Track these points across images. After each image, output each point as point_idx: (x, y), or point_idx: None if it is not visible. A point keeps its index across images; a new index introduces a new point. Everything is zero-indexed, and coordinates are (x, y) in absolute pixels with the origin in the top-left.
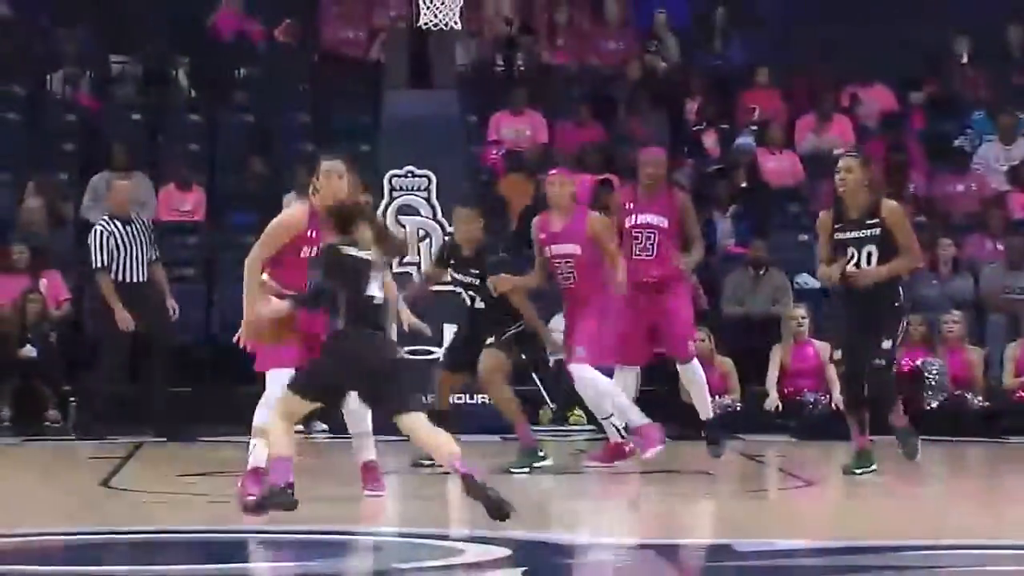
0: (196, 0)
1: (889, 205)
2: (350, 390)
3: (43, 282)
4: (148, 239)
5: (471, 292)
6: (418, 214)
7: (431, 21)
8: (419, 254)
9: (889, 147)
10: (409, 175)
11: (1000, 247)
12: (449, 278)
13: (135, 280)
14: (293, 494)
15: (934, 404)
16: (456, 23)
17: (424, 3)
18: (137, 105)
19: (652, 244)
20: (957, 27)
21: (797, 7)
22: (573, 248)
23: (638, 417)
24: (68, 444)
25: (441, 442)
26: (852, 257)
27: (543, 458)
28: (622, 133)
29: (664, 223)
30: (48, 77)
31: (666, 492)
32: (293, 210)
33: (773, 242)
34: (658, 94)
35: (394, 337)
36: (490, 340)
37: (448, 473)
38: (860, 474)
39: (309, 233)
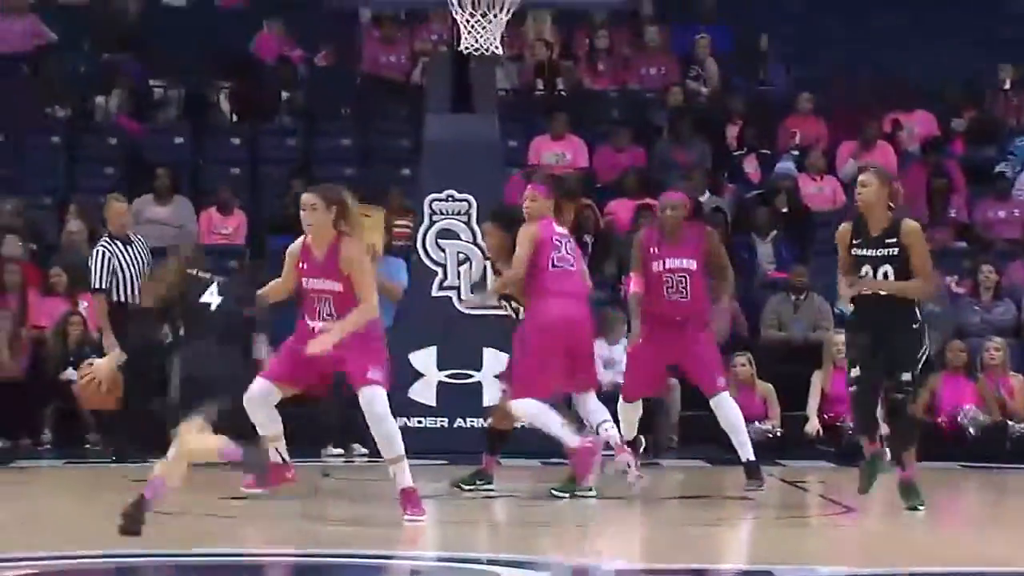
0: (237, 24)
1: (909, 225)
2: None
3: (83, 305)
4: (148, 260)
5: (515, 306)
6: (458, 238)
7: (472, 45)
8: (459, 278)
9: (931, 173)
10: (449, 199)
11: None
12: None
13: (128, 300)
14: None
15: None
16: (497, 48)
17: (465, 28)
18: (179, 129)
19: (685, 287)
20: (999, 53)
21: (839, 34)
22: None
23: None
24: (109, 467)
25: (172, 465)
26: (866, 275)
27: (588, 488)
28: (663, 158)
29: (694, 265)
30: (91, 101)
31: (706, 517)
32: (296, 241)
33: (814, 267)
34: (699, 119)
35: None
36: None
37: (488, 497)
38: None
39: (301, 265)
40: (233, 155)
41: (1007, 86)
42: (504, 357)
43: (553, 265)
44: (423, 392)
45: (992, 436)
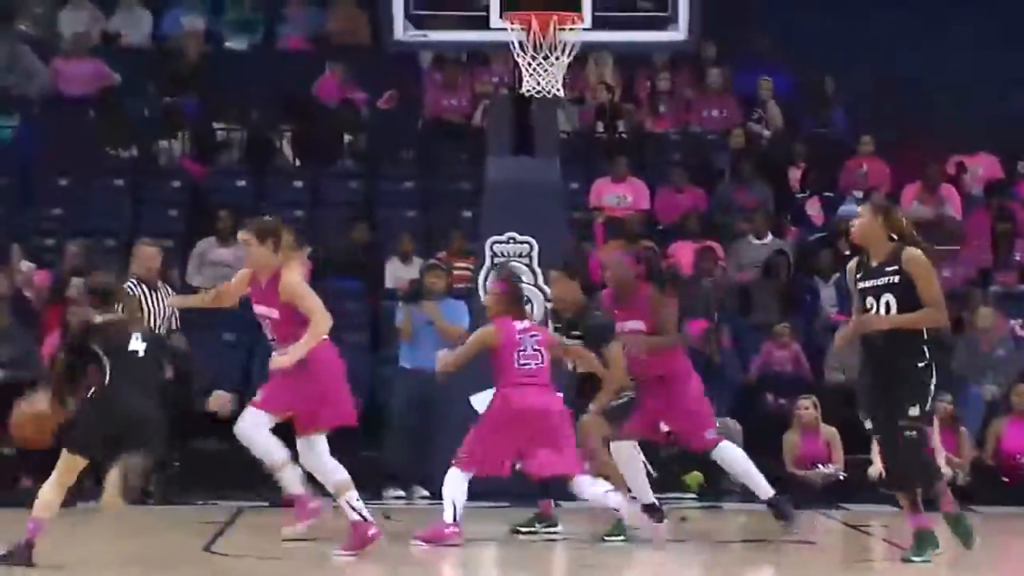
0: (300, 67)
1: (910, 252)
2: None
3: None
4: (170, 310)
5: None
6: (519, 280)
7: (534, 88)
8: None
9: (995, 216)
10: (510, 241)
11: None
12: None
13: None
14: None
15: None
16: (559, 90)
17: (527, 70)
18: (241, 172)
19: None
20: None
21: (902, 77)
22: None
23: None
24: (170, 509)
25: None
26: (870, 308)
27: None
28: (725, 200)
29: (643, 326)
30: (155, 144)
31: (770, 561)
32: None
33: None
34: (761, 162)
35: None
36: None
37: (549, 539)
38: (919, 562)
39: (249, 291)
40: (295, 198)
41: None
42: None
43: (519, 364)
44: None
45: None
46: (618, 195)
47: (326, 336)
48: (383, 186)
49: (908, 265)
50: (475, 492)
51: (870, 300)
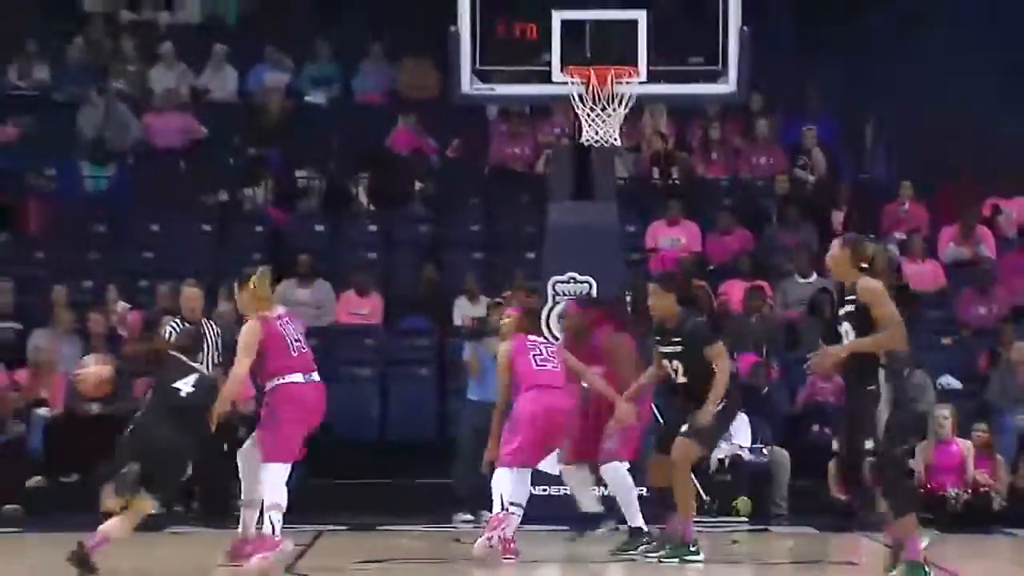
0: (374, 120)
1: (864, 281)
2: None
3: None
4: (215, 344)
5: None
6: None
7: (593, 138)
8: None
9: None
10: (571, 281)
11: None
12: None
13: None
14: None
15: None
16: (616, 140)
17: (586, 121)
18: (320, 217)
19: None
20: None
21: (939, 123)
22: None
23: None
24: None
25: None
26: (844, 336)
27: (695, 552)
28: (771, 242)
29: (600, 370)
30: (239, 192)
31: None
32: None
33: (916, 344)
34: (806, 206)
35: None
36: (685, 427)
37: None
38: None
39: None
40: (369, 241)
41: None
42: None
43: (537, 365)
44: (547, 462)
45: None
46: (672, 238)
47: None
48: (451, 229)
49: (862, 294)
50: (540, 517)
51: (843, 329)
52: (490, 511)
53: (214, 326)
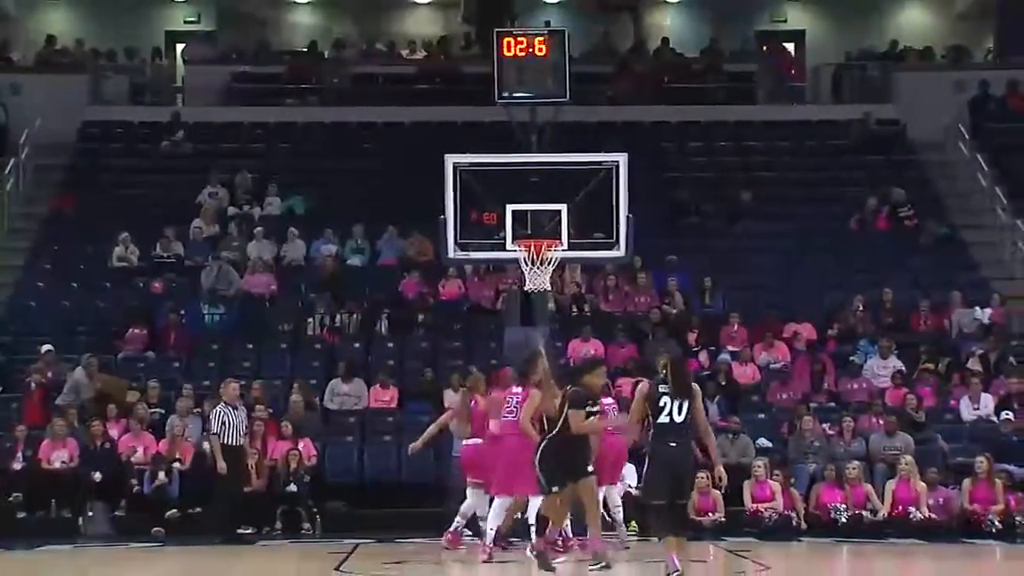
0: (391, 275)
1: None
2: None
3: (301, 445)
4: (243, 422)
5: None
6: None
7: (533, 286)
8: None
9: (812, 361)
10: None
11: None
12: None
13: (233, 444)
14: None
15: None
16: (547, 287)
17: (528, 275)
18: (356, 338)
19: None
20: (854, 287)
21: (752, 279)
22: None
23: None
24: (315, 545)
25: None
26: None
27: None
28: (649, 353)
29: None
30: (304, 322)
31: None
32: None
33: (742, 418)
34: (670, 329)
35: None
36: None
37: None
38: None
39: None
40: (389, 353)
41: (858, 308)
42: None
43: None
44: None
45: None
46: (585, 350)
47: None
48: (442, 346)
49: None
50: None
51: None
52: (472, 532)
53: (244, 408)
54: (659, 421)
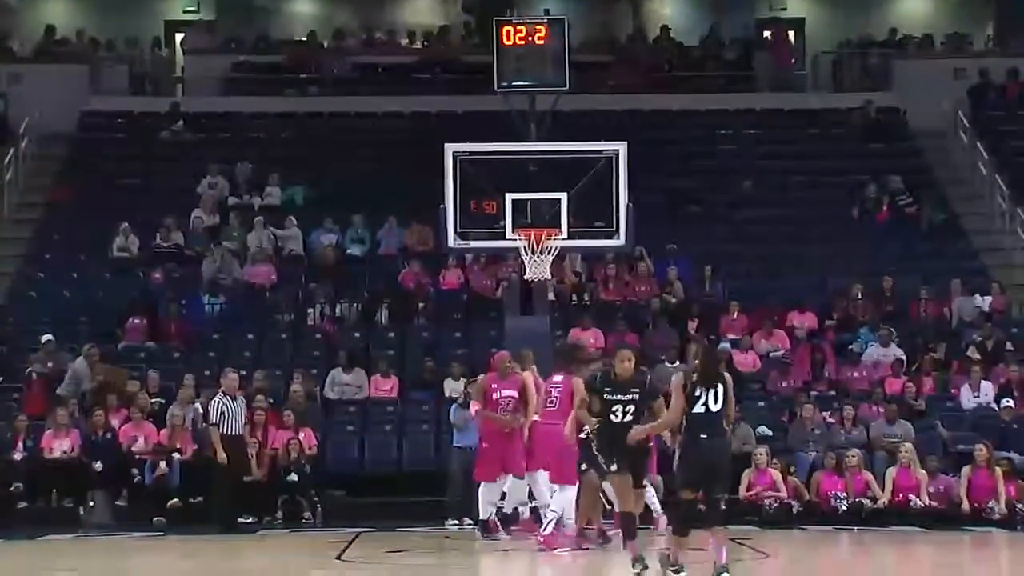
0: (392, 265)
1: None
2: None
3: (302, 435)
4: (242, 412)
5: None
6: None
7: (532, 275)
8: None
9: (812, 350)
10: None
11: None
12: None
13: (232, 433)
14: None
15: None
16: (547, 276)
17: (528, 264)
18: (356, 327)
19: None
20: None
21: (749, 266)
22: None
23: None
24: (316, 533)
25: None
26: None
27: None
28: (650, 340)
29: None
30: (306, 311)
31: None
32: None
33: (742, 406)
34: (670, 317)
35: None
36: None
37: None
38: None
39: None
40: (389, 343)
41: (858, 296)
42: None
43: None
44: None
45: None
46: (585, 338)
47: None
48: (443, 334)
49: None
50: None
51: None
52: (473, 520)
53: (243, 399)
54: (694, 411)
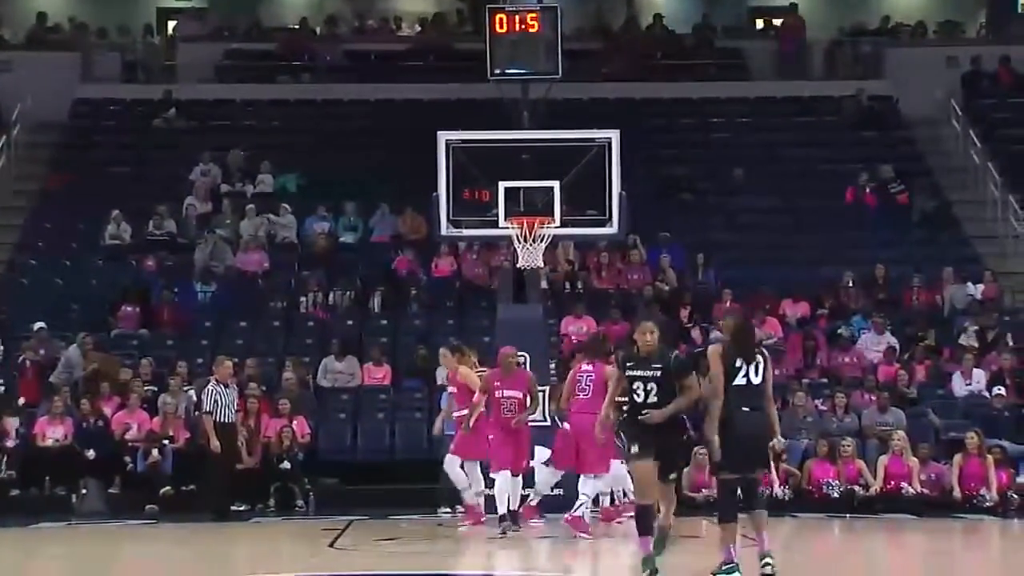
0: (384, 251)
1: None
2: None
3: (294, 423)
4: (235, 399)
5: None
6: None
7: (525, 263)
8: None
9: (804, 338)
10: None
11: None
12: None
13: (225, 421)
14: None
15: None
16: (540, 264)
17: (521, 252)
18: (349, 315)
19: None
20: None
21: (744, 254)
22: None
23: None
24: (309, 521)
25: None
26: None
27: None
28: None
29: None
30: (298, 299)
31: None
32: None
33: None
34: (663, 305)
35: None
36: None
37: None
38: None
39: None
40: (382, 331)
41: (850, 284)
42: None
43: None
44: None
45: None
46: (577, 327)
47: None
48: (435, 322)
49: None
50: None
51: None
52: (462, 506)
53: (235, 387)
54: (734, 383)
